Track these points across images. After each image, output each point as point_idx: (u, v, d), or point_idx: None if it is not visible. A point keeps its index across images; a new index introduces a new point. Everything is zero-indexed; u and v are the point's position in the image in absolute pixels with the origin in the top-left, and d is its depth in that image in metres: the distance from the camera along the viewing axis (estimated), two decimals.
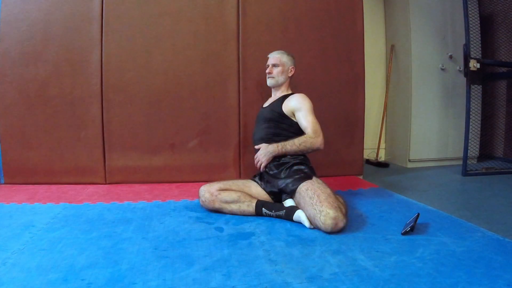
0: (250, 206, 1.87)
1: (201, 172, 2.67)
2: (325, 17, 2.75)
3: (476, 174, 3.12)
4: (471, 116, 3.19)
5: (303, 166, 1.94)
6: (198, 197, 1.99)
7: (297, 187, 1.81)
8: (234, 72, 2.66)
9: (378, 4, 3.83)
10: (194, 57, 2.63)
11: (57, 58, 2.51)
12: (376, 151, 3.79)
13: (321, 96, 2.75)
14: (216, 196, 1.90)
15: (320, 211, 1.62)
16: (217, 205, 1.91)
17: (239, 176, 2.71)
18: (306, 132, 1.96)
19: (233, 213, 1.90)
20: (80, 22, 2.51)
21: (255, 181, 2.07)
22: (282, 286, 1.15)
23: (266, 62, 2.22)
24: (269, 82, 2.19)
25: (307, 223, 1.70)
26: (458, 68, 3.51)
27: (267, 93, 2.33)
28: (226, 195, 1.90)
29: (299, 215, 1.73)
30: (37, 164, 2.55)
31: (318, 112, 2.91)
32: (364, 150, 3.12)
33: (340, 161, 2.86)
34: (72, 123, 2.54)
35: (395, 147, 3.75)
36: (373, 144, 3.85)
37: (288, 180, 1.87)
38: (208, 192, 1.93)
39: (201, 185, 2.00)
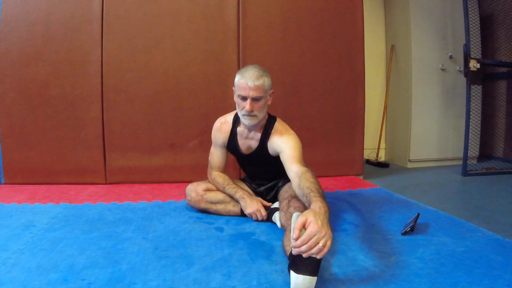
0: (236, 206, 1.85)
1: (201, 172, 2.65)
2: (325, 17, 2.75)
3: (476, 174, 3.12)
4: (471, 116, 3.19)
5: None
6: (185, 196, 1.96)
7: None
8: (234, 72, 2.63)
9: (378, 4, 3.82)
10: (194, 57, 2.63)
11: (58, 58, 2.51)
12: (376, 151, 3.79)
13: (321, 96, 2.75)
14: (202, 196, 1.88)
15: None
16: (203, 205, 1.89)
17: (239, 176, 2.70)
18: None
19: (218, 213, 1.89)
20: (80, 22, 2.51)
21: (245, 181, 2.05)
22: (282, 286, 1.15)
23: (240, 87, 1.61)
24: (250, 122, 1.66)
25: (278, 224, 1.68)
26: (458, 68, 3.51)
27: None
28: (212, 196, 1.88)
29: (275, 216, 1.74)
30: (37, 164, 2.55)
31: (319, 112, 2.91)
32: (364, 150, 3.12)
33: (340, 161, 2.86)
34: (72, 123, 2.55)
35: (395, 147, 3.75)
36: (373, 144, 3.85)
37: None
38: (195, 191, 1.90)
39: None
